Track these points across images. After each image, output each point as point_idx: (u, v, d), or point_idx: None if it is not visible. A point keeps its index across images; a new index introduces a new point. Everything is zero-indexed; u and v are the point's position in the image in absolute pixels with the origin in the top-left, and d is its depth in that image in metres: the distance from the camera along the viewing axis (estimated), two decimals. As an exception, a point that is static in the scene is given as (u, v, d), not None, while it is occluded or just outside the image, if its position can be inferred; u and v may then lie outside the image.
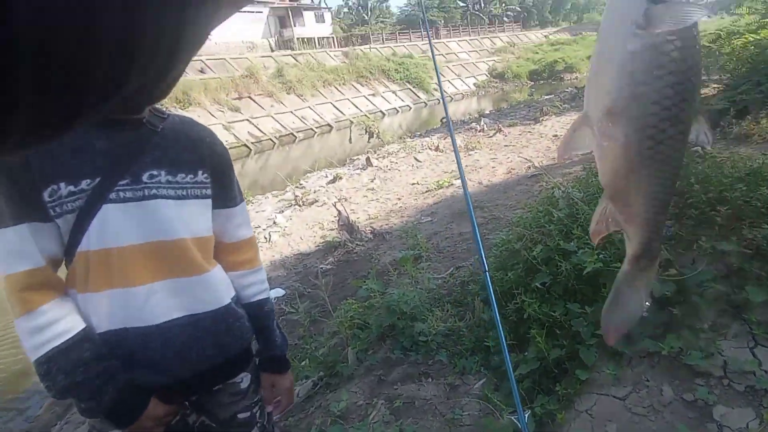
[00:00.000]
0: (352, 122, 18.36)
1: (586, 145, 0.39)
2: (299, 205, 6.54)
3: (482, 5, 49.65)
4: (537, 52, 36.67)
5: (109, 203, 0.99)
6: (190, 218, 1.09)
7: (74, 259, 1.00)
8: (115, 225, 1.00)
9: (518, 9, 51.56)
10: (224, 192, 1.17)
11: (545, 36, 44.88)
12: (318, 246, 5.02)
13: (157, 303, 1.04)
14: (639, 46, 0.34)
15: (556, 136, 8.43)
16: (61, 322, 0.98)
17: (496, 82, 32.65)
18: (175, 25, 0.21)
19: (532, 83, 30.60)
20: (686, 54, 0.34)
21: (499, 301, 2.69)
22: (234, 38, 28.18)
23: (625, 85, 0.34)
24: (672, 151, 0.35)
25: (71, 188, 0.97)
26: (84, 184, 0.98)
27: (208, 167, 1.12)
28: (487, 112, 15.00)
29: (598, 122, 0.37)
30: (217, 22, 0.25)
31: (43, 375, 0.97)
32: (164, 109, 1.13)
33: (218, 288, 1.14)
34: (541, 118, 10.33)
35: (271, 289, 4.21)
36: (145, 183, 1.03)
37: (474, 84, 32.15)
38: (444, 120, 11.97)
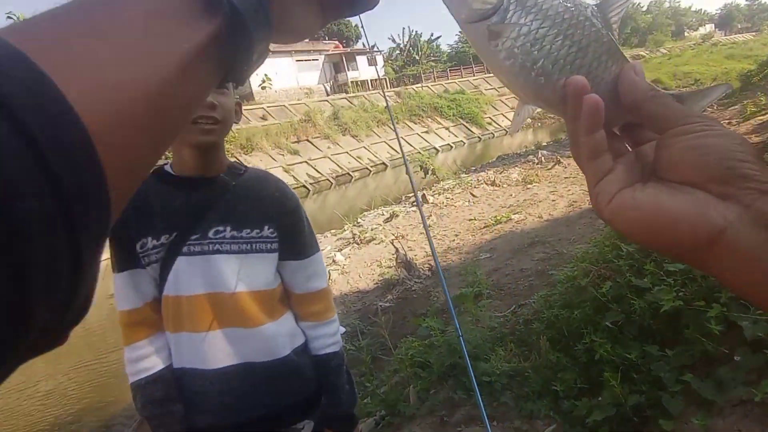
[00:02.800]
0: (406, 160, 18.61)
1: (528, 116, 0.48)
2: (357, 243, 6.66)
3: (534, 38, 49.74)
4: (594, 81, 35.88)
5: (182, 256, 1.11)
6: (251, 273, 1.14)
7: (162, 302, 1.15)
8: (185, 275, 1.12)
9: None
10: (292, 245, 1.20)
11: (602, 64, 43.74)
12: (376, 284, 5.06)
13: (216, 349, 1.12)
14: (504, 51, 0.41)
15: (619, 165, 8.09)
16: (146, 360, 1.14)
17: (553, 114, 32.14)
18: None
19: (590, 112, 29.77)
20: (545, 26, 0.41)
21: (566, 341, 2.57)
22: (292, 84, 29.95)
23: (524, 76, 0.41)
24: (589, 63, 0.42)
25: (155, 242, 1.12)
26: (164, 238, 1.11)
27: (274, 222, 1.16)
28: (545, 143, 14.73)
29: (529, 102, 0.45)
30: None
31: (133, 398, 1.16)
32: (242, 165, 1.22)
33: (276, 341, 1.17)
34: (601, 148, 9.97)
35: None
36: (211, 239, 1.12)
37: (530, 117, 31.79)
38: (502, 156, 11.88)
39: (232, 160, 1.24)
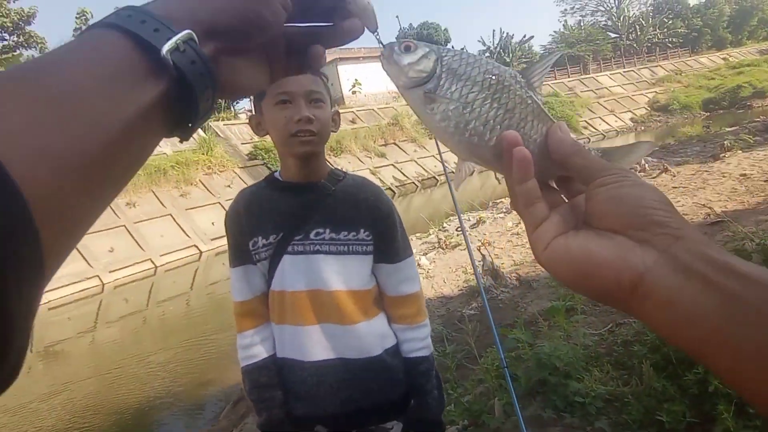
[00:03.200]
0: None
1: (468, 174, 0.51)
2: (442, 248, 6.63)
3: (638, 33, 45.64)
4: (713, 78, 31.99)
5: (287, 254, 1.22)
6: (348, 273, 1.22)
7: (269, 296, 1.27)
8: (289, 272, 1.23)
9: (684, 31, 45.85)
10: (385, 249, 1.25)
11: (723, 58, 39.22)
12: (461, 290, 5.01)
13: (314, 342, 1.22)
14: (439, 112, 0.45)
15: (744, 175, 7.18)
16: (253, 347, 1.26)
17: (659, 116, 29.41)
18: None
19: (707, 114, 26.71)
20: (472, 91, 0.45)
21: (674, 369, 2.35)
22: (381, 89, 30.56)
23: (458, 135, 0.45)
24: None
25: (264, 241, 1.23)
26: (272, 238, 1.23)
27: (369, 226, 1.23)
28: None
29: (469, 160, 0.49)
30: None
31: (242, 381, 1.29)
32: (342, 171, 1.32)
33: (368, 339, 1.23)
34: (721, 155, 8.86)
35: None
36: (312, 240, 1.22)
37: (631, 119, 29.44)
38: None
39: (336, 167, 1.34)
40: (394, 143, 22.40)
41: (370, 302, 1.26)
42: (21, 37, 24.39)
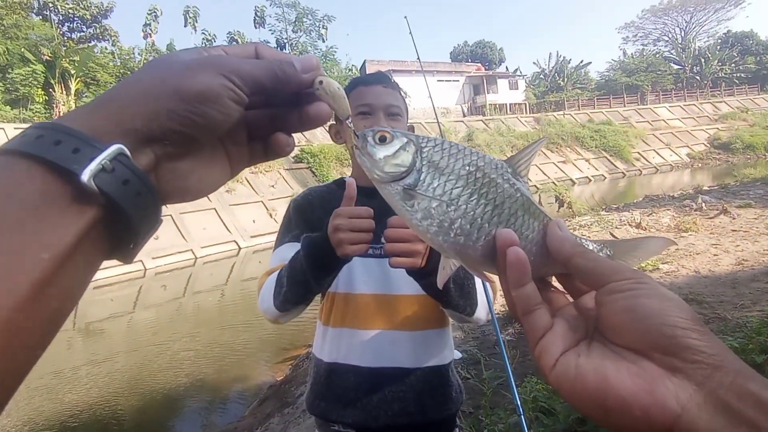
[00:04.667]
0: (538, 188, 17.79)
1: (452, 271, 0.46)
2: (480, 268, 6.50)
3: (702, 66, 43.76)
4: (783, 119, 30.30)
5: (365, 257, 1.17)
6: None
7: (325, 296, 1.23)
8: (358, 275, 1.20)
9: (754, 67, 43.59)
10: None
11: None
12: (497, 314, 4.88)
13: (372, 348, 1.16)
14: (419, 210, 0.41)
15: (811, 224, 6.72)
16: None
17: (719, 153, 28.04)
18: None
19: (773, 156, 25.24)
20: (452, 190, 0.41)
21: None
22: (428, 105, 30.67)
23: (440, 236, 0.41)
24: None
25: None
26: None
27: None
28: (707, 187, 12.89)
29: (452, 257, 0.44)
30: None
31: (274, 299, 1.12)
32: None
33: (432, 349, 1.18)
34: (787, 201, 8.35)
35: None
36: (383, 243, 1.16)
37: (688, 155, 28.19)
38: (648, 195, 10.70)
39: None
40: (438, 159, 22.36)
41: (439, 310, 1.19)
42: (97, 29, 26.12)
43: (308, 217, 1.24)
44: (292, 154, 19.45)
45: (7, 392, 0.25)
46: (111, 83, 23.25)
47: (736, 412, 0.27)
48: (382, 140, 0.44)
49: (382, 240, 1.17)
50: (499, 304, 5.10)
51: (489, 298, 1.16)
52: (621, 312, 0.32)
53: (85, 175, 0.26)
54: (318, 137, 21.36)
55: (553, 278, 0.44)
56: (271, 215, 15.89)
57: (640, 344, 0.31)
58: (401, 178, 0.42)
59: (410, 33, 1.86)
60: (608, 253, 0.43)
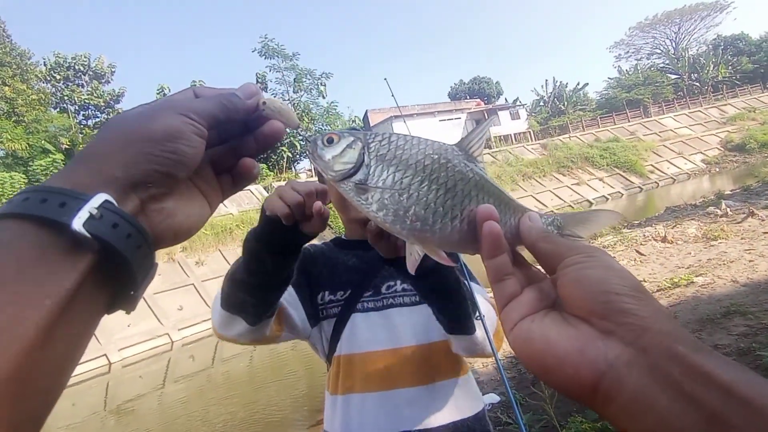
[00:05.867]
0: (555, 214, 17.54)
1: (420, 254, 0.45)
2: (507, 303, 6.32)
3: (699, 72, 43.87)
4: (794, 113, 29.91)
5: (357, 313, 1.12)
6: (428, 323, 1.08)
7: (332, 363, 1.14)
8: (361, 332, 1.11)
9: (752, 67, 43.54)
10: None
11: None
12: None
13: (391, 412, 1.06)
14: (376, 206, 0.43)
15: (844, 216, 6.43)
16: None
17: (735, 156, 27.59)
18: None
19: (790, 152, 24.68)
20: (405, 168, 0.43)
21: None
22: (436, 144, 31.08)
23: (397, 225, 0.43)
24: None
25: (331, 297, 1.14)
26: (339, 294, 1.14)
27: None
28: (729, 191, 12.57)
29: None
30: None
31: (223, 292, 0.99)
32: None
33: (455, 400, 1.09)
34: (814, 196, 8.07)
35: (485, 394, 4.02)
36: (384, 293, 1.13)
37: (703, 161, 27.77)
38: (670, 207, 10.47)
39: None
40: (450, 196, 22.41)
41: (454, 356, 1.11)
42: (111, 113, 27.61)
43: (308, 266, 1.16)
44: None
45: (28, 424, 0.26)
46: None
47: (662, 372, 0.28)
48: (330, 141, 0.46)
49: (383, 290, 1.14)
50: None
51: (489, 334, 1.02)
52: (569, 282, 0.34)
53: (76, 224, 0.28)
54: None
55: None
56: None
57: (582, 310, 0.33)
58: (351, 175, 0.44)
59: (392, 95, 1.90)
60: (559, 223, 0.45)
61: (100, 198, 0.29)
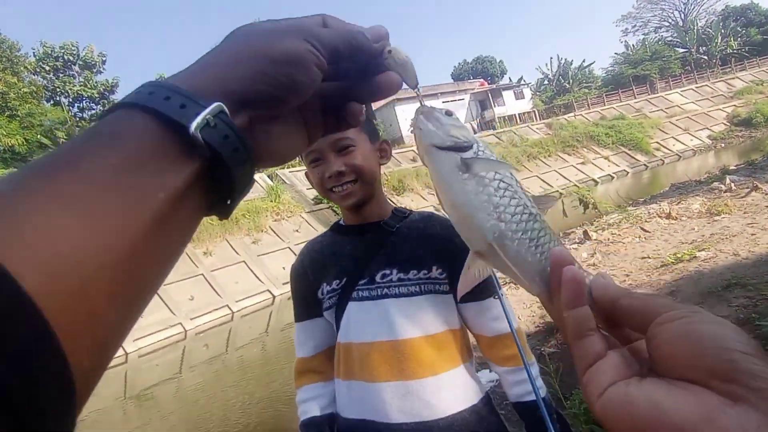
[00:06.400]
0: (561, 194, 17.60)
1: (481, 275, 0.44)
2: (513, 282, 6.44)
3: (708, 45, 43.04)
4: (800, 86, 29.44)
5: (352, 301, 1.12)
6: (422, 316, 1.08)
7: (335, 350, 1.19)
8: (356, 321, 1.12)
9: (761, 38, 42.62)
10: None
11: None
12: (537, 326, 4.82)
13: (389, 403, 1.06)
14: (473, 182, 0.40)
15: None
16: (307, 403, 1.20)
17: (741, 131, 27.23)
18: None
19: (797, 124, 24.38)
20: (507, 177, 0.42)
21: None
22: (440, 128, 30.87)
23: (489, 215, 0.40)
24: (546, 236, 0.41)
25: (328, 287, 1.16)
26: (335, 283, 1.15)
27: (444, 262, 1.10)
28: (733, 167, 12.53)
29: (488, 252, 0.41)
30: None
31: None
32: (406, 210, 1.21)
33: (449, 392, 1.08)
34: (820, 168, 8.06)
35: (491, 370, 4.16)
36: (378, 283, 1.11)
37: (709, 136, 27.47)
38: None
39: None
40: (455, 179, 22.35)
41: (456, 347, 1.11)
42: (106, 105, 27.61)
43: (306, 280, 1.22)
44: (311, 196, 19.90)
45: (130, 321, 0.27)
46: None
47: None
48: (449, 114, 0.45)
49: (377, 279, 1.11)
50: (538, 315, 5.03)
51: (508, 311, 1.08)
52: (675, 339, 0.29)
53: (192, 127, 0.29)
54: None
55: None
56: (299, 259, 16.10)
57: (696, 372, 0.28)
58: (462, 149, 0.42)
59: (416, 88, 1.94)
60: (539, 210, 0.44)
61: (216, 106, 0.30)
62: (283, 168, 22.32)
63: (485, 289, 1.11)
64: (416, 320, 1.08)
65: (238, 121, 0.32)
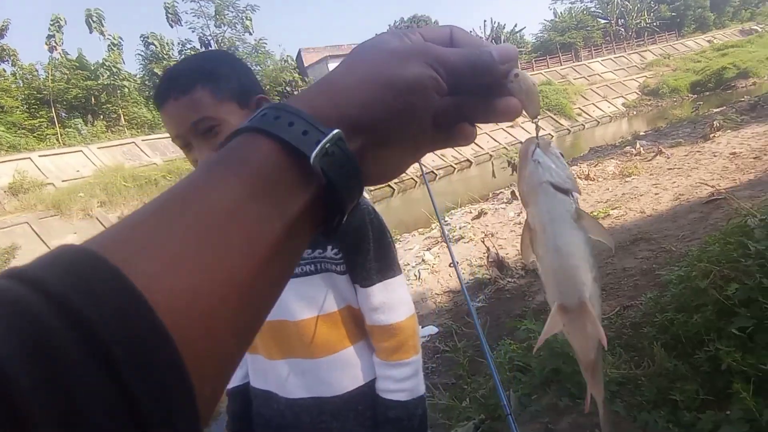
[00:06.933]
0: (491, 156, 18.22)
1: (558, 329, 0.44)
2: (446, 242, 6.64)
3: (626, 19, 45.61)
4: (699, 61, 32.29)
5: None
6: (318, 295, 1.04)
7: None
8: None
9: (671, 14, 45.93)
10: (356, 269, 1.03)
11: (708, 41, 39.42)
12: (467, 283, 5.03)
13: (287, 379, 1.06)
14: (583, 234, 0.40)
15: (734, 153, 7.24)
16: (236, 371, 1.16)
17: (650, 100, 29.50)
18: None
19: (695, 96, 26.86)
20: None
21: (684, 348, 2.37)
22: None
23: (589, 271, 0.40)
24: None
25: None
26: None
27: (338, 242, 1.02)
28: (642, 133, 13.59)
29: (576, 309, 0.41)
30: None
31: None
32: None
33: (346, 370, 1.06)
34: (711, 135, 8.97)
35: (424, 326, 4.31)
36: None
37: (623, 104, 29.50)
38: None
39: None
40: (389, 140, 22.32)
41: (354, 324, 1.07)
42: (-1, 49, 24.25)
43: None
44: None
45: (246, 346, 0.28)
46: (17, 107, 21.66)
47: None
48: (562, 156, 0.43)
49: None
50: (468, 273, 5.25)
51: (457, 267, 1.09)
52: None
53: (313, 157, 0.29)
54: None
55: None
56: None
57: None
58: (569, 193, 0.41)
59: None
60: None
61: (336, 134, 0.30)
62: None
63: (369, 275, 1.03)
64: (312, 300, 1.04)
65: (352, 146, 0.32)
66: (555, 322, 0.43)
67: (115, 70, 23.42)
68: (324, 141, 0.29)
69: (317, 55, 32.09)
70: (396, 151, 0.36)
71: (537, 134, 0.44)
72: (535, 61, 36.34)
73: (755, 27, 41.08)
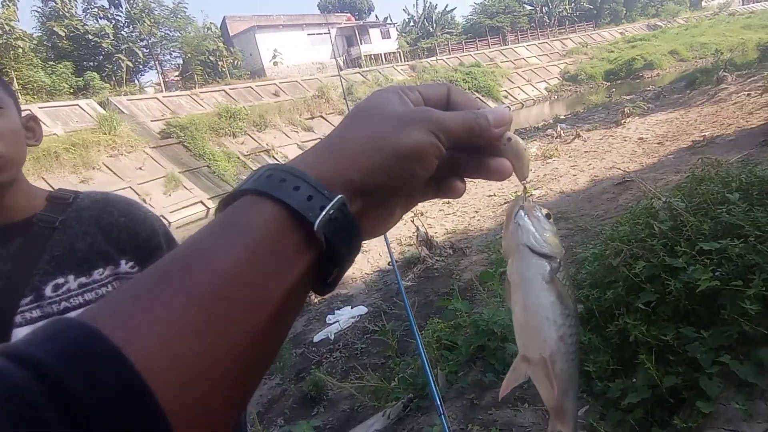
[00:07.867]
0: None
1: (522, 378, 0.46)
2: (375, 221, 6.62)
3: (549, 7, 47.81)
4: (612, 51, 34.73)
5: (19, 327, 0.84)
6: None
7: None
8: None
9: (588, 6, 48.87)
10: None
11: (620, 33, 42.43)
12: (397, 262, 5.05)
13: None
14: (553, 296, 0.42)
15: (642, 138, 7.87)
16: None
17: (570, 85, 31.28)
18: None
19: (609, 84, 28.94)
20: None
21: (597, 321, 2.52)
22: (304, 60, 29.52)
23: (554, 331, 0.42)
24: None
25: None
26: None
27: (130, 254, 0.92)
28: (563, 116, 14.38)
29: (537, 363, 0.44)
30: None
31: None
32: (69, 192, 0.96)
33: None
34: (623, 121, 9.70)
35: (354, 306, 4.29)
36: (50, 297, 0.86)
37: (546, 88, 31.04)
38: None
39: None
40: (321, 116, 21.86)
41: None
42: None
43: None
44: (157, 129, 17.67)
45: (239, 407, 0.28)
46: None
47: None
48: (548, 217, 0.44)
49: (47, 293, 0.86)
50: (398, 252, 5.27)
51: (388, 245, 1.01)
52: None
53: (317, 225, 0.30)
54: (184, 107, 19.52)
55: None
56: (145, 201, 14.33)
57: None
58: (552, 258, 0.42)
59: None
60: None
61: (339, 200, 0.31)
62: (119, 95, 19.31)
63: None
64: None
65: (353, 208, 0.33)
66: (518, 370, 0.45)
67: (8, 27, 20.65)
68: (328, 207, 0.30)
69: (244, 24, 30.37)
70: (391, 208, 0.38)
71: (524, 196, 0.45)
72: (465, 42, 37.03)
73: (659, 23, 44.82)
